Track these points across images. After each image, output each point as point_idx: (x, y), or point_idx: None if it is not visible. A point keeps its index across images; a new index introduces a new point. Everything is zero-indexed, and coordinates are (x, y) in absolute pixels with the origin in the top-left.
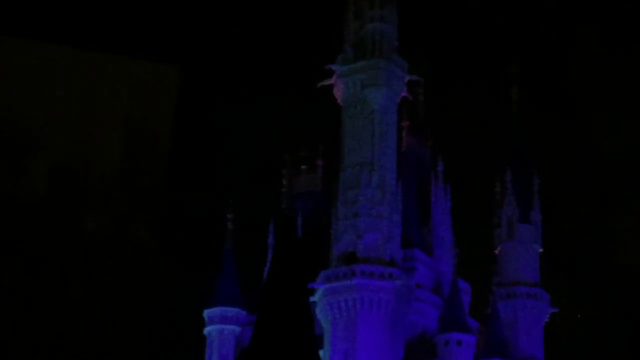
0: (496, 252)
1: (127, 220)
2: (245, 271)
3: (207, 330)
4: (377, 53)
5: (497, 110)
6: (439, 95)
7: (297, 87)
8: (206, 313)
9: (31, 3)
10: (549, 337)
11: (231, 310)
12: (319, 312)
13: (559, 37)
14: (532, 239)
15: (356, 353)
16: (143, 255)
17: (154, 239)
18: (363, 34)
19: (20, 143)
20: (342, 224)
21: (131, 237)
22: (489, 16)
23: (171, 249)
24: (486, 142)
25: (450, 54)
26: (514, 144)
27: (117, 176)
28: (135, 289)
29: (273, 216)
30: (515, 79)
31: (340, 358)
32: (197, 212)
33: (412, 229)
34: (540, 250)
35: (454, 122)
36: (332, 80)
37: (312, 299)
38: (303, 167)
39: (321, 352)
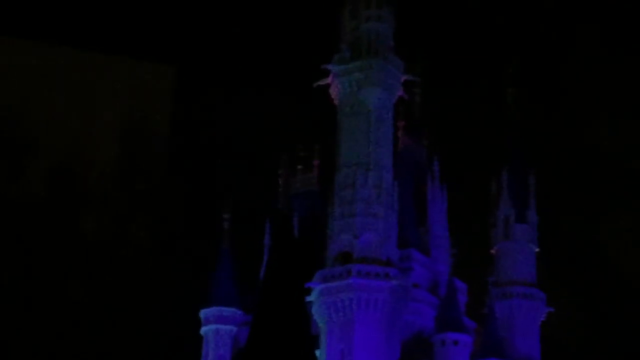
0: (492, 252)
1: (125, 220)
2: (242, 271)
3: (203, 330)
4: (373, 53)
5: (494, 110)
6: (435, 95)
7: (294, 87)
8: (202, 313)
9: (30, 3)
10: (545, 337)
11: (227, 310)
12: (315, 312)
13: (555, 37)
14: (529, 239)
15: (352, 353)
16: (141, 255)
17: (152, 239)
18: (359, 33)
19: (19, 143)
20: (338, 223)
21: (130, 237)
22: (485, 16)
23: (168, 249)
24: (482, 142)
25: (447, 54)
26: (511, 144)
27: (116, 176)
28: (133, 289)
29: (269, 216)
30: (511, 79)
31: (336, 358)
32: (193, 212)
33: (409, 229)
34: (537, 250)
35: (451, 122)
36: (328, 80)
37: (308, 298)
38: (299, 166)
39: (317, 352)
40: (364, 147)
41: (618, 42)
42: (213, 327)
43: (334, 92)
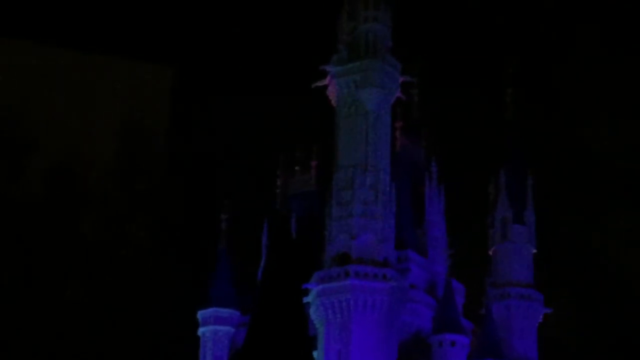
0: (490, 252)
1: (124, 220)
2: (240, 272)
3: (201, 331)
4: (371, 54)
5: (492, 111)
6: (433, 96)
7: (292, 88)
8: (200, 314)
9: (29, 5)
10: (542, 338)
11: (225, 311)
12: (313, 313)
13: (554, 38)
14: (526, 240)
15: (350, 354)
16: (140, 255)
17: (151, 240)
18: (357, 34)
19: (18, 143)
20: (336, 224)
21: (128, 238)
22: (484, 17)
23: (167, 250)
24: (480, 143)
25: (445, 55)
26: (509, 145)
27: (115, 177)
28: (132, 290)
29: (267, 217)
30: (509, 80)
31: (334, 359)
32: (192, 213)
33: (406, 230)
34: (534, 251)
35: (448, 123)
36: (326, 81)
37: (306, 299)
38: (297, 167)
39: (315, 353)
40: (362, 148)
41: (617, 42)
42: (211, 328)
43: (332, 93)
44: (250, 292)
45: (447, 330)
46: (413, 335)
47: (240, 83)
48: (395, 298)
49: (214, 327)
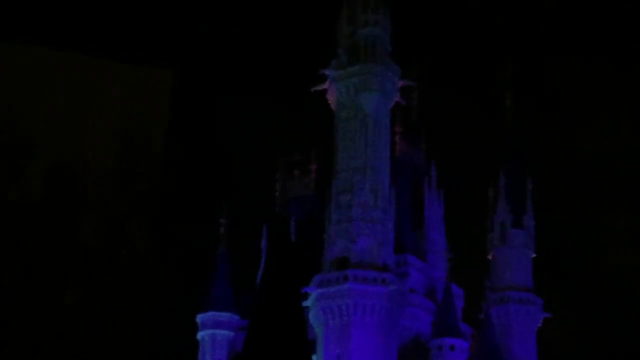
0: (489, 257)
1: (123, 223)
2: (239, 275)
3: (200, 335)
4: (370, 58)
5: (491, 115)
6: (432, 100)
7: (291, 92)
8: (199, 318)
9: (26, 7)
10: (541, 342)
11: (224, 315)
12: (312, 317)
13: (552, 42)
14: (525, 244)
15: (349, 358)
16: (138, 259)
17: (150, 243)
18: (356, 38)
19: (15, 146)
20: (335, 228)
21: (127, 241)
22: (482, 21)
23: (166, 253)
24: (480, 147)
25: (444, 59)
26: (508, 149)
27: (113, 180)
28: (130, 293)
29: (267, 220)
30: (509, 84)
31: None
32: (191, 216)
33: (406, 234)
34: (533, 255)
35: (448, 127)
36: (325, 85)
37: (305, 303)
38: (296, 171)
39: (314, 357)
40: (361, 152)
41: (616, 45)
42: (210, 332)
43: (331, 97)
44: (249, 296)
45: (447, 335)
46: (412, 340)
47: (240, 87)
48: (394, 302)
49: (213, 331)
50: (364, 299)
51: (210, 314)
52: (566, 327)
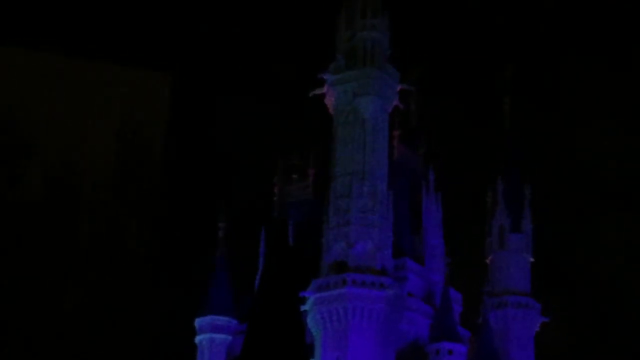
0: (487, 261)
1: (120, 228)
2: (237, 280)
3: (197, 339)
4: (368, 62)
5: (489, 120)
6: (430, 104)
7: (289, 96)
8: (197, 322)
9: (24, 11)
10: (539, 347)
11: (222, 319)
12: (310, 321)
13: (551, 46)
14: (523, 249)
15: None
16: (136, 263)
17: (148, 247)
18: (355, 42)
19: (15, 147)
20: (333, 232)
21: (124, 245)
22: (481, 25)
23: (163, 257)
24: (478, 151)
25: (443, 63)
26: (506, 154)
27: (112, 182)
28: (128, 297)
29: (265, 224)
30: (507, 88)
31: None
32: (189, 220)
33: (404, 238)
34: (532, 259)
35: (446, 131)
36: (323, 89)
37: (303, 307)
38: (295, 175)
39: None
40: (359, 156)
41: (616, 49)
42: (208, 336)
43: (329, 101)
44: (247, 300)
45: (445, 339)
46: (410, 344)
47: (238, 90)
48: (392, 306)
49: (211, 335)
50: (362, 303)
51: (208, 317)
52: (564, 331)
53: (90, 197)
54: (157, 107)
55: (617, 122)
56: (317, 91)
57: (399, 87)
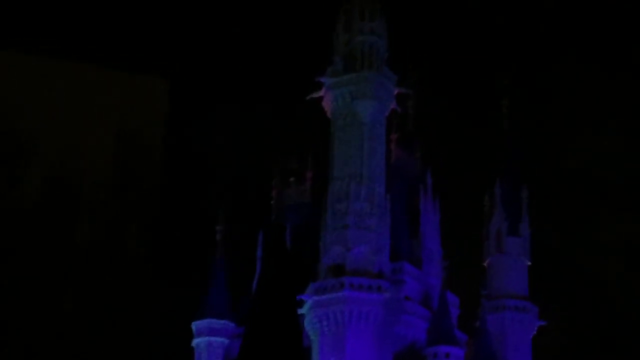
0: (485, 264)
1: (119, 231)
2: (235, 283)
3: (195, 342)
4: (366, 65)
5: (487, 124)
6: (428, 108)
7: (287, 99)
8: (194, 325)
9: (26, 15)
10: (536, 350)
11: (219, 323)
12: (308, 324)
13: (549, 49)
14: (521, 252)
15: None
16: (134, 266)
17: (146, 250)
18: (353, 46)
19: (13, 153)
20: (331, 235)
21: (122, 248)
22: (479, 29)
23: (161, 260)
24: (475, 155)
25: (440, 67)
26: (504, 157)
27: (109, 187)
28: (126, 300)
29: (262, 228)
30: (505, 92)
31: None
32: (186, 224)
33: (401, 242)
34: (529, 263)
35: (444, 135)
36: (321, 93)
37: (300, 310)
38: (292, 178)
39: None
40: (357, 160)
41: (613, 55)
42: (205, 339)
43: (327, 104)
44: (245, 303)
45: (442, 342)
46: (407, 347)
47: (236, 94)
48: (389, 310)
49: (209, 338)
50: (359, 306)
51: (205, 321)
52: (562, 335)
53: (89, 200)
54: (156, 110)
55: (615, 124)
56: (315, 94)
57: (396, 91)
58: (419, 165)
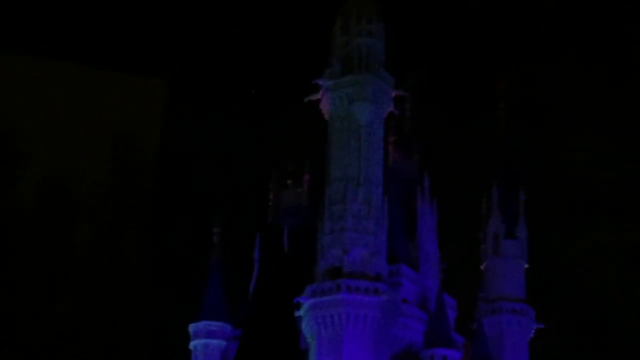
0: (482, 267)
1: (115, 232)
2: (232, 285)
3: (192, 344)
4: (364, 68)
5: (484, 126)
6: (425, 111)
7: (284, 102)
8: (191, 327)
9: (19, 18)
10: (534, 353)
11: (216, 325)
12: (305, 327)
13: (546, 53)
14: (518, 255)
15: None
16: (131, 268)
17: (142, 252)
18: (350, 48)
19: (7, 155)
20: (328, 238)
21: (120, 250)
22: (476, 32)
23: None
24: (473, 158)
25: (438, 69)
26: (501, 160)
27: (106, 188)
28: (122, 302)
29: (259, 230)
30: (502, 95)
31: None
32: (183, 225)
33: (398, 244)
34: (526, 266)
35: (441, 137)
36: (319, 95)
37: (297, 313)
38: (289, 181)
39: None
40: (354, 162)
41: (611, 57)
42: (202, 341)
43: (324, 107)
44: (242, 306)
45: (439, 345)
46: (404, 350)
47: (233, 96)
48: (387, 312)
49: (205, 341)
50: (356, 309)
51: (202, 323)
52: (559, 337)
53: (86, 201)
54: (152, 112)
55: (613, 127)
56: (313, 97)
57: (394, 93)
58: (417, 167)
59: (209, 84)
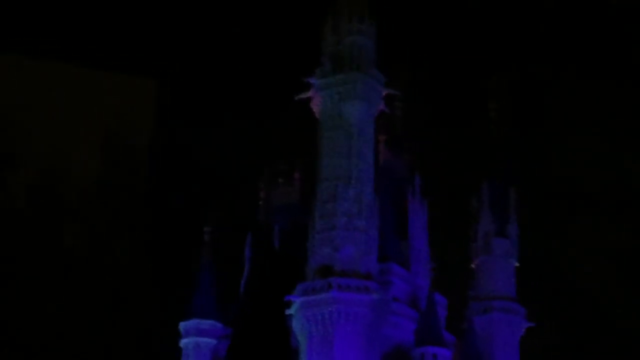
0: (472, 266)
1: (107, 232)
2: (223, 284)
3: (182, 342)
4: (355, 66)
5: (475, 125)
6: (416, 109)
7: (275, 100)
8: (182, 326)
9: (12, 19)
10: (524, 352)
11: (207, 323)
12: (295, 325)
13: (538, 52)
14: (509, 254)
15: None
16: (122, 267)
17: (133, 252)
18: (341, 47)
19: (0, 157)
20: (319, 237)
21: (111, 250)
22: (468, 30)
23: (149, 262)
24: (463, 156)
25: (429, 68)
26: (492, 159)
27: (96, 190)
28: (114, 301)
29: (250, 229)
30: (493, 94)
31: None
32: (174, 225)
33: (389, 243)
34: (517, 264)
35: (432, 136)
36: (309, 94)
37: (288, 311)
38: (280, 180)
39: None
40: (345, 161)
41: (603, 56)
42: (193, 339)
43: (315, 105)
44: (232, 304)
45: (429, 343)
46: (395, 348)
47: (223, 95)
48: (377, 311)
49: (196, 339)
50: (347, 307)
51: (193, 321)
52: (549, 336)
53: (75, 204)
54: (143, 113)
55: (604, 127)
56: (303, 95)
57: (384, 92)
58: (407, 166)
59: (199, 83)
